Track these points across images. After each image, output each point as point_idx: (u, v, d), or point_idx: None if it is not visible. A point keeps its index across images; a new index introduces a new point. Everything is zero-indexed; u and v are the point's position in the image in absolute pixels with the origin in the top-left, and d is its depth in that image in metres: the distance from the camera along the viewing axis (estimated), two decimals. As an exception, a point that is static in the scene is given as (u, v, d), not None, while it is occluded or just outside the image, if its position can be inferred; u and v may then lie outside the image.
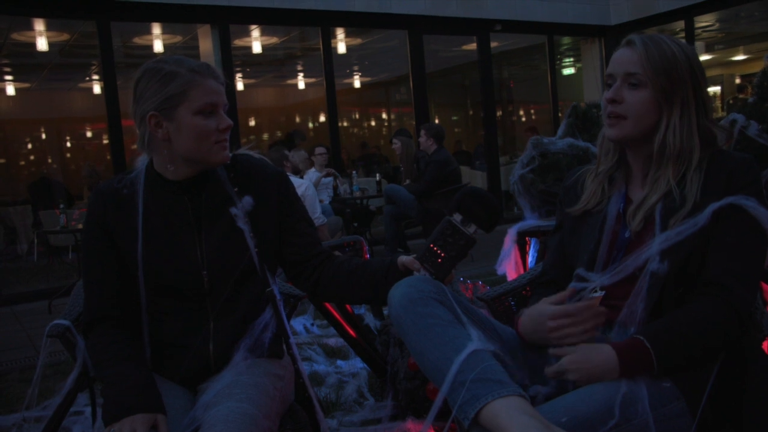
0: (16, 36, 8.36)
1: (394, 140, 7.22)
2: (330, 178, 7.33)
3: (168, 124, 1.52)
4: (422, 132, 6.80)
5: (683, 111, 1.42)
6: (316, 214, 5.64)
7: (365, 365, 2.98)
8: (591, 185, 1.57)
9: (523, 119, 15.44)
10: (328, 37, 8.45)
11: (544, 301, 1.45)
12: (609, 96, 1.45)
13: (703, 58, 13.29)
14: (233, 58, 7.96)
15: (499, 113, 12.21)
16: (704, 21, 10.43)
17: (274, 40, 9.90)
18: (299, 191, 5.22)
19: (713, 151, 1.44)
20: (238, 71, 11.76)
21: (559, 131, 3.52)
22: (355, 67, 13.15)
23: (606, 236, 1.50)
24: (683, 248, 1.34)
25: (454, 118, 16.04)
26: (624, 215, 1.50)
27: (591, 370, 1.29)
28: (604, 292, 1.45)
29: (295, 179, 5.61)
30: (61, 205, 6.29)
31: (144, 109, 1.52)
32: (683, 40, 1.50)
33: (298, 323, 4.27)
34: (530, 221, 3.13)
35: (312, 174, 7.00)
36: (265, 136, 15.58)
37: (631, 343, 1.31)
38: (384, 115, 16.82)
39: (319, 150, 7.23)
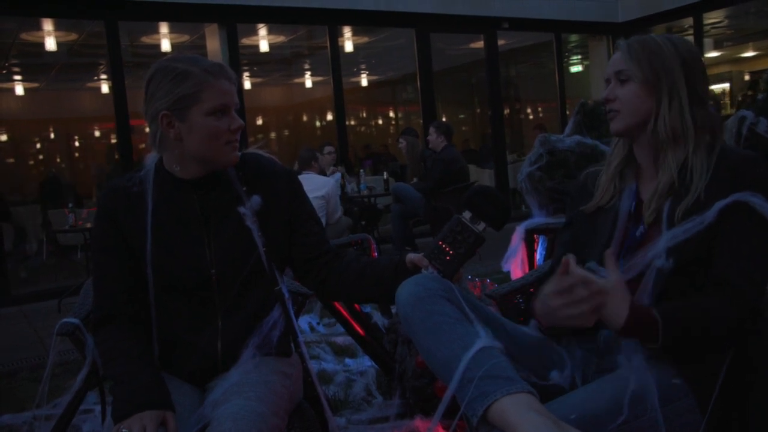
0: (25, 36, 8.40)
1: (401, 139, 7.22)
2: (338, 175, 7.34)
3: (180, 124, 1.52)
4: (431, 129, 6.79)
5: (672, 99, 1.45)
6: (338, 213, 5.87)
7: (373, 363, 2.98)
8: (603, 181, 1.60)
9: (531, 117, 15.39)
10: (335, 36, 8.46)
11: (550, 281, 1.38)
12: (605, 96, 1.54)
13: (712, 55, 13.21)
14: (240, 57, 7.98)
15: (506, 111, 12.18)
16: (713, 18, 10.37)
17: (281, 38, 9.91)
18: (322, 191, 5.39)
19: (720, 147, 1.44)
20: (246, 70, 11.78)
21: (567, 129, 3.52)
22: (363, 66, 13.15)
23: (617, 233, 1.50)
24: (689, 246, 1.35)
25: (462, 116, 16.01)
26: (634, 213, 1.50)
27: (607, 304, 1.26)
28: None
29: (318, 178, 5.80)
30: (70, 205, 6.32)
31: (156, 108, 1.51)
32: (679, 36, 1.56)
33: (303, 321, 4.27)
34: (538, 219, 3.13)
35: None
36: (273, 134, 15.61)
37: (642, 311, 1.28)
38: (391, 114, 16.81)
39: (328, 149, 7.23)
